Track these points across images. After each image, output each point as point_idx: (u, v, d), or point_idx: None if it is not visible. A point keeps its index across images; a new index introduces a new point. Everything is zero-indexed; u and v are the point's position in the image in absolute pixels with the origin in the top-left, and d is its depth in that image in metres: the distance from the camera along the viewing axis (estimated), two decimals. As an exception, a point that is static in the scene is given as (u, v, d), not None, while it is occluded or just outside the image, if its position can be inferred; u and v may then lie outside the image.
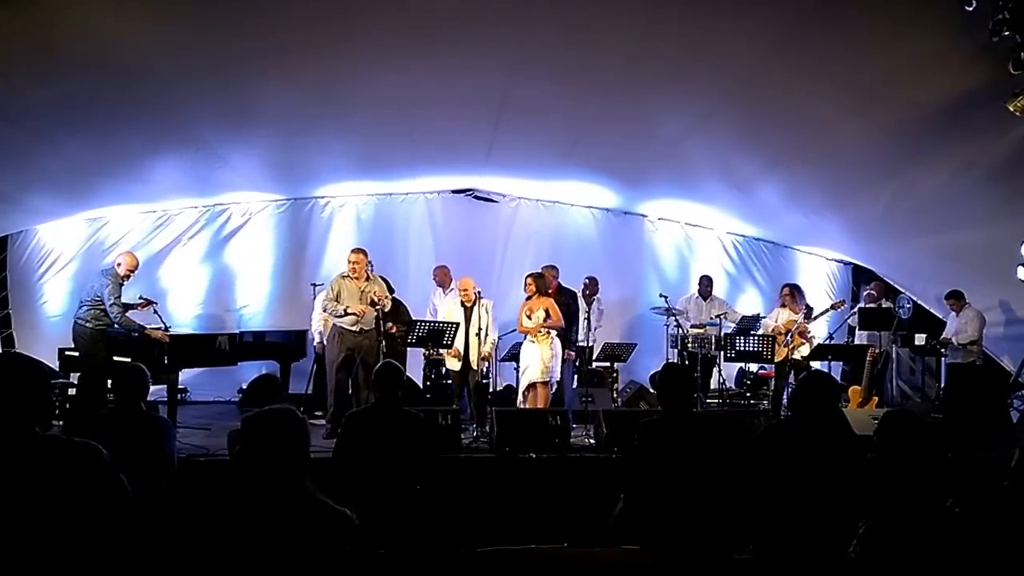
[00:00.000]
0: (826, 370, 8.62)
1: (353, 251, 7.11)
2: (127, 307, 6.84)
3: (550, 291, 7.49)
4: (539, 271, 7.50)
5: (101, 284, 6.65)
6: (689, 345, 8.63)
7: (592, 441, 6.35)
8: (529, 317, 7.10)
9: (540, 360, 7.00)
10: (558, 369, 7.19)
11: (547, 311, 7.07)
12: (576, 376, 8.04)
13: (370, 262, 7.22)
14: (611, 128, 7.42)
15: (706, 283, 9.30)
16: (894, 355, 8.26)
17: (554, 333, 7.11)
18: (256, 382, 4.36)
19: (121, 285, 6.74)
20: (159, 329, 6.69)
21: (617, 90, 6.46)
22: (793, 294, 8.45)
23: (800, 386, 3.78)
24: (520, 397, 7.33)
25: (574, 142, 7.93)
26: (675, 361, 8.50)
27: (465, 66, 6.11)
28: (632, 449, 3.80)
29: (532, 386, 7.08)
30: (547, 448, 5.87)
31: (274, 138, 7.55)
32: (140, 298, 7.08)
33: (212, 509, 2.19)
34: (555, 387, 7.30)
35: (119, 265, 6.80)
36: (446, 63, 6.00)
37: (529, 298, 7.20)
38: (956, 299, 8.06)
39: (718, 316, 8.76)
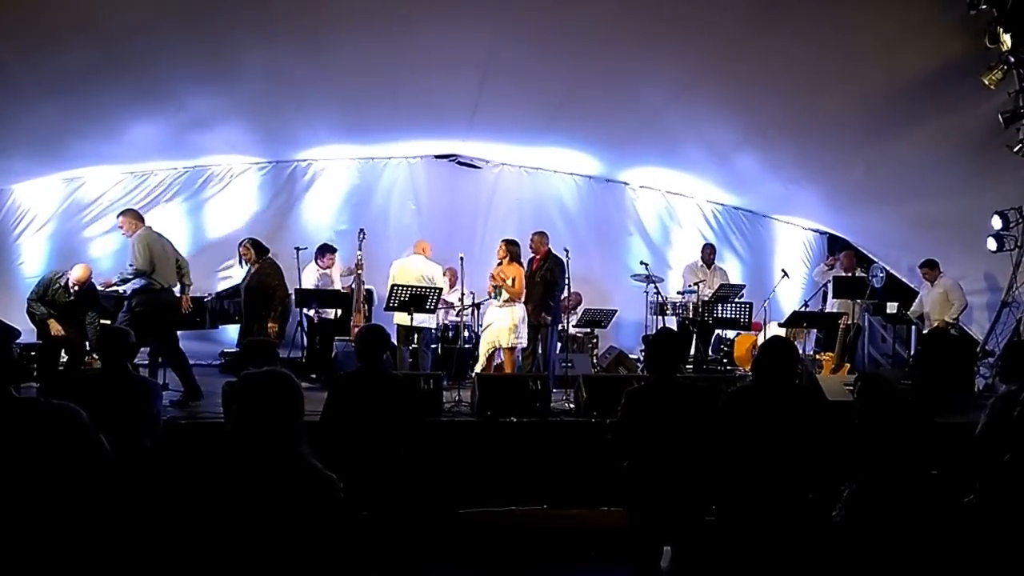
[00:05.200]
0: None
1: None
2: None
3: (538, 256, 7.59)
4: (513, 238, 7.58)
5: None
6: (668, 311, 8.74)
7: (572, 406, 6.47)
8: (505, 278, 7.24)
9: (509, 324, 7.12)
10: (524, 335, 7.31)
11: (514, 279, 7.19)
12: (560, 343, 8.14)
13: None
14: (594, 95, 7.43)
15: (709, 251, 9.39)
16: (866, 323, 8.42)
17: (519, 302, 7.25)
18: (251, 345, 4.34)
19: (64, 290, 6.81)
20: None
21: (600, 57, 6.46)
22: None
23: (761, 351, 3.84)
24: (482, 359, 7.44)
25: (557, 108, 7.92)
26: (664, 327, 8.57)
27: (448, 30, 6.06)
28: (618, 415, 3.86)
29: (496, 351, 7.22)
30: (528, 412, 5.96)
31: (255, 100, 7.44)
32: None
33: (204, 469, 2.22)
34: (519, 355, 7.46)
35: (70, 273, 6.89)
36: (429, 26, 5.96)
37: (500, 263, 7.34)
38: (930, 268, 8.09)
39: (697, 284, 8.86)
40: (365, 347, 4.32)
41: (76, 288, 6.87)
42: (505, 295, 7.23)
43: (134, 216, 6.55)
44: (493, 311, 7.37)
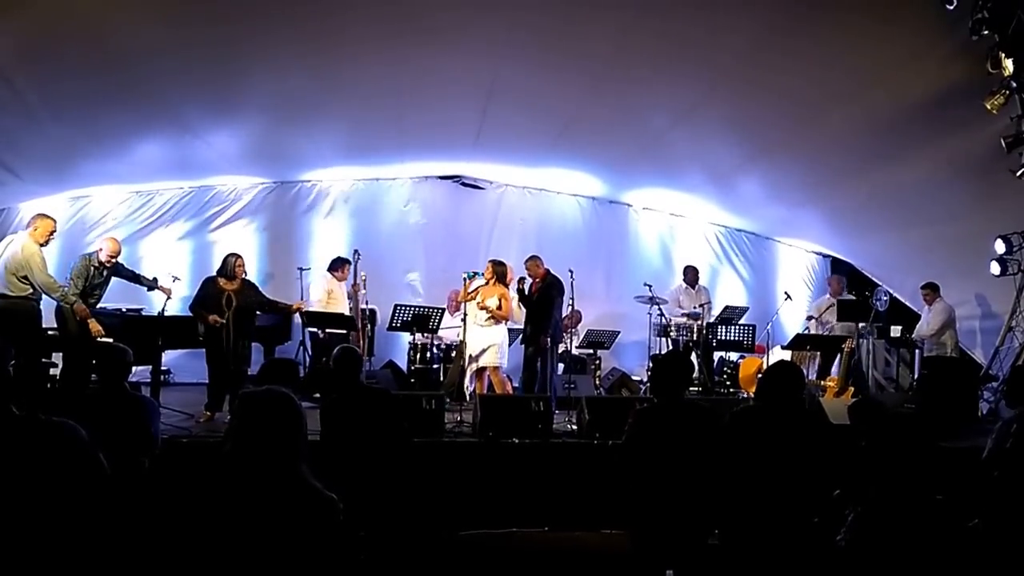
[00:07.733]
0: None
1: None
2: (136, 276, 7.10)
3: (536, 279, 7.58)
4: (500, 259, 7.63)
5: (74, 264, 6.70)
6: (672, 333, 8.73)
7: (574, 427, 6.44)
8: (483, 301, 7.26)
9: (496, 345, 7.13)
10: (506, 355, 7.34)
11: (500, 300, 7.19)
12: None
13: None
14: (597, 117, 7.47)
15: (692, 273, 9.42)
16: (871, 347, 8.40)
17: (503, 322, 7.30)
18: (272, 365, 4.35)
19: (99, 269, 6.69)
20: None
21: (604, 80, 6.51)
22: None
23: (766, 374, 3.83)
24: (468, 380, 7.42)
25: (561, 130, 7.96)
26: (672, 350, 8.55)
27: (453, 53, 6.12)
28: (624, 435, 3.84)
29: (482, 370, 7.26)
30: (530, 434, 5.93)
31: (260, 122, 7.52)
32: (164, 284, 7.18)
33: (202, 489, 2.20)
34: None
35: (100, 251, 6.80)
36: (434, 49, 6.01)
37: (487, 283, 7.33)
38: (931, 291, 8.20)
39: (701, 306, 8.86)
40: (342, 369, 4.32)
41: (112, 262, 6.83)
42: (486, 314, 7.21)
43: (37, 219, 6.46)
44: (477, 331, 7.27)
